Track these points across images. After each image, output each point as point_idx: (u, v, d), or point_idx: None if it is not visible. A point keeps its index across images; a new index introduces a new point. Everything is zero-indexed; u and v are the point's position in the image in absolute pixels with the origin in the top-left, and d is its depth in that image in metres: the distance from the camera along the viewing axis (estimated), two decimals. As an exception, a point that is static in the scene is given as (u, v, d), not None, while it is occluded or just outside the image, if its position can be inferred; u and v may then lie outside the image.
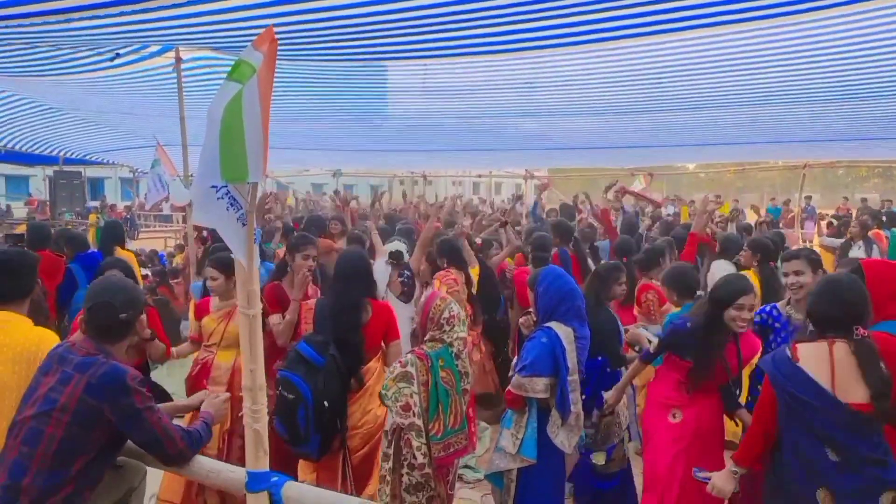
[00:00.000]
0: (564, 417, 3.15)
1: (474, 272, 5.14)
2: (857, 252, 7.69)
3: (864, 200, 17.89)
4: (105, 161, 16.01)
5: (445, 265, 4.76)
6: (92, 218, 14.99)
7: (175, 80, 6.58)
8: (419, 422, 3.13)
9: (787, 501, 2.52)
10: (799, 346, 2.51)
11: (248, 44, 1.83)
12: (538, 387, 3.13)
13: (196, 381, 3.77)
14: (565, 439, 3.20)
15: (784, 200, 18.49)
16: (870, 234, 8.49)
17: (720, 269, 5.03)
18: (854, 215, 12.09)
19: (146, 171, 10.74)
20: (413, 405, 3.12)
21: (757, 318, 3.46)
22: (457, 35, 5.30)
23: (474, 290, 4.94)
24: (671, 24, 4.90)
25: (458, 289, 4.40)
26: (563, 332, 3.19)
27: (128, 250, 6.25)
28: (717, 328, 3.10)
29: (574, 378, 3.21)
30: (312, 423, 3.08)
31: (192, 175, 7.36)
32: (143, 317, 2.50)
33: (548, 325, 3.23)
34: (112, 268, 3.85)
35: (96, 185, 27.41)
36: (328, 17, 4.55)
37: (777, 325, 3.44)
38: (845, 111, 8.25)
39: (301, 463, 3.40)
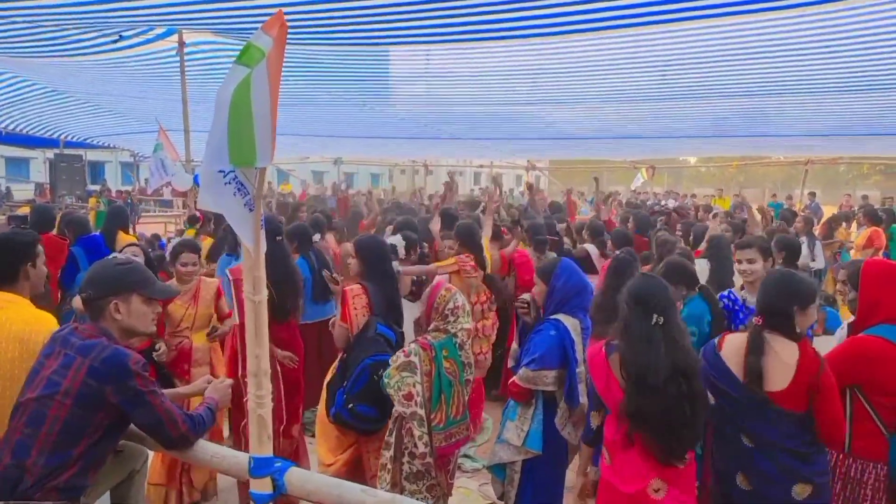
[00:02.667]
0: (573, 409, 3.16)
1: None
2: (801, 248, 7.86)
3: (864, 198, 17.81)
4: (106, 145, 15.97)
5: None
6: (92, 202, 14.95)
7: (178, 65, 6.55)
8: (421, 411, 3.12)
9: (717, 482, 2.64)
10: (728, 336, 2.62)
11: (250, 27, 1.81)
12: (548, 380, 3.15)
13: (174, 367, 3.77)
14: (572, 430, 3.22)
15: (786, 196, 18.42)
16: (869, 231, 8.57)
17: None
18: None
19: (148, 155, 10.71)
20: (415, 395, 3.11)
21: (721, 305, 3.59)
22: (460, 21, 5.27)
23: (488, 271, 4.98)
24: (676, 13, 4.88)
25: (476, 275, 4.49)
26: (571, 323, 3.21)
27: (130, 234, 6.24)
28: None
29: (581, 370, 3.21)
30: None
31: (194, 160, 7.34)
32: (116, 304, 2.31)
33: (555, 317, 3.24)
34: (131, 246, 4.11)
35: (97, 169, 27.24)
36: (329, -1, 4.53)
37: (736, 307, 3.57)
38: (850, 105, 8.23)
39: (324, 446, 3.46)
